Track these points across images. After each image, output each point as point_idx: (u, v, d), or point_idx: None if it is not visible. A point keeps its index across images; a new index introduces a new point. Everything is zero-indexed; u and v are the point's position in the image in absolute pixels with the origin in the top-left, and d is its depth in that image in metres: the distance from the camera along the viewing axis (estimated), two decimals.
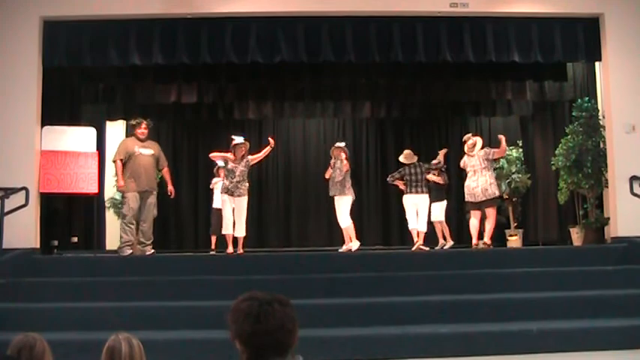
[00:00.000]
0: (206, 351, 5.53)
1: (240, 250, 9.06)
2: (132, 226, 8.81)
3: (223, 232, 9.22)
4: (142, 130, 9.10)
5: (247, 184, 9.17)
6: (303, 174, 13.56)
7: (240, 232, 9.07)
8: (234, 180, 8.97)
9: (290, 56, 9.09)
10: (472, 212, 9.33)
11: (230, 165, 9.09)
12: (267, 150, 9.48)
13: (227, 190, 9.02)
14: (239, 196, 8.99)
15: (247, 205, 9.17)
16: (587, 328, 5.99)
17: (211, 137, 13.41)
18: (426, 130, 13.63)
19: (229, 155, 9.16)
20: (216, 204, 10.32)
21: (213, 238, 10.32)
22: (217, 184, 10.25)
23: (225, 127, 13.34)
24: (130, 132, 9.21)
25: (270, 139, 9.58)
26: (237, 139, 9.24)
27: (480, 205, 9.23)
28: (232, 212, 9.06)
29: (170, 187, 9.24)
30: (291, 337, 2.19)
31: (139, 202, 8.86)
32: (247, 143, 9.28)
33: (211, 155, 9.65)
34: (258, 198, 11.74)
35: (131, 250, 8.71)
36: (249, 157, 9.28)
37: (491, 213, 9.20)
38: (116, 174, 9.09)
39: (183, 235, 13.15)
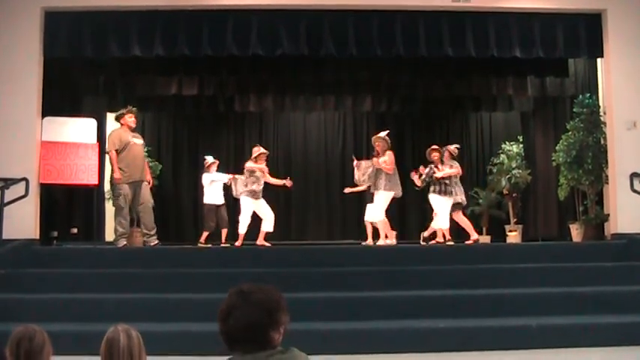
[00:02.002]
0: (205, 343, 5.52)
1: (267, 243, 9.44)
2: (128, 218, 8.76)
3: (240, 231, 9.48)
4: (134, 119, 8.99)
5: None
6: (303, 168, 13.55)
7: (269, 227, 9.59)
8: (261, 186, 9.58)
9: (291, 49, 9.07)
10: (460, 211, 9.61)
11: (258, 173, 9.55)
12: (279, 183, 10.11)
13: (253, 194, 9.45)
14: (262, 197, 9.63)
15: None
16: (587, 324, 5.99)
17: (212, 129, 13.42)
18: (427, 125, 13.61)
19: (262, 167, 9.66)
20: (209, 199, 10.19)
21: (206, 233, 10.24)
22: (214, 180, 10.17)
23: (225, 119, 13.36)
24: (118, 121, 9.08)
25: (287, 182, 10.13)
26: (262, 149, 9.73)
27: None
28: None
29: (149, 177, 9.12)
30: (232, 327, 2.17)
31: (133, 193, 8.72)
32: (267, 152, 9.96)
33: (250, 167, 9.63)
34: None
35: (125, 242, 8.67)
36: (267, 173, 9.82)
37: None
38: (111, 165, 8.78)
39: (183, 227, 13.16)
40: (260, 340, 2.18)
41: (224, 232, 10.24)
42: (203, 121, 13.37)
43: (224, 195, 10.32)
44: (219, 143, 13.27)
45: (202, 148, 13.25)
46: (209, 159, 10.39)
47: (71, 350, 4.95)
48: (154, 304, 6.44)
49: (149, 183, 9.04)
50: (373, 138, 9.58)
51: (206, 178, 10.20)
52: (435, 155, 9.51)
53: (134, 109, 9.08)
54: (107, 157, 10.42)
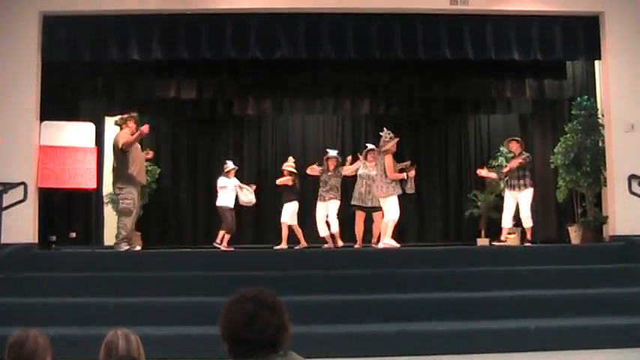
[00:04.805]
0: (204, 347, 5.52)
1: (340, 243, 9.91)
2: (134, 222, 8.76)
3: (321, 234, 10.02)
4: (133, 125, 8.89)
5: (337, 191, 9.98)
6: (301, 171, 13.51)
7: (334, 227, 9.88)
8: (326, 188, 9.94)
9: (290, 52, 9.09)
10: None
11: (324, 176, 9.99)
12: (358, 164, 10.02)
13: (320, 197, 9.98)
14: (329, 199, 9.91)
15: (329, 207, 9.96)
16: (585, 326, 5.99)
17: (211, 133, 13.40)
18: (425, 127, 13.61)
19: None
20: (225, 202, 10.23)
21: (227, 236, 10.24)
22: (229, 185, 10.24)
23: (224, 122, 13.35)
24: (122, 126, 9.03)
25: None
26: (331, 153, 10.14)
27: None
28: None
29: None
30: (257, 334, 2.14)
31: (139, 197, 8.78)
32: (339, 157, 10.14)
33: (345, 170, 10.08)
34: (256, 195, 11.74)
35: (128, 246, 8.66)
36: (341, 168, 10.06)
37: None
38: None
39: (182, 230, 13.14)
40: (276, 345, 2.17)
41: (228, 235, 10.24)
42: (202, 124, 13.35)
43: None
44: (218, 146, 13.27)
45: (201, 151, 13.27)
46: (230, 164, 10.44)
47: (70, 354, 4.94)
48: (152, 307, 6.44)
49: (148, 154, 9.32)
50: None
51: (225, 182, 10.27)
52: (514, 146, 9.48)
53: (135, 114, 9.08)
54: (105, 160, 10.45)
